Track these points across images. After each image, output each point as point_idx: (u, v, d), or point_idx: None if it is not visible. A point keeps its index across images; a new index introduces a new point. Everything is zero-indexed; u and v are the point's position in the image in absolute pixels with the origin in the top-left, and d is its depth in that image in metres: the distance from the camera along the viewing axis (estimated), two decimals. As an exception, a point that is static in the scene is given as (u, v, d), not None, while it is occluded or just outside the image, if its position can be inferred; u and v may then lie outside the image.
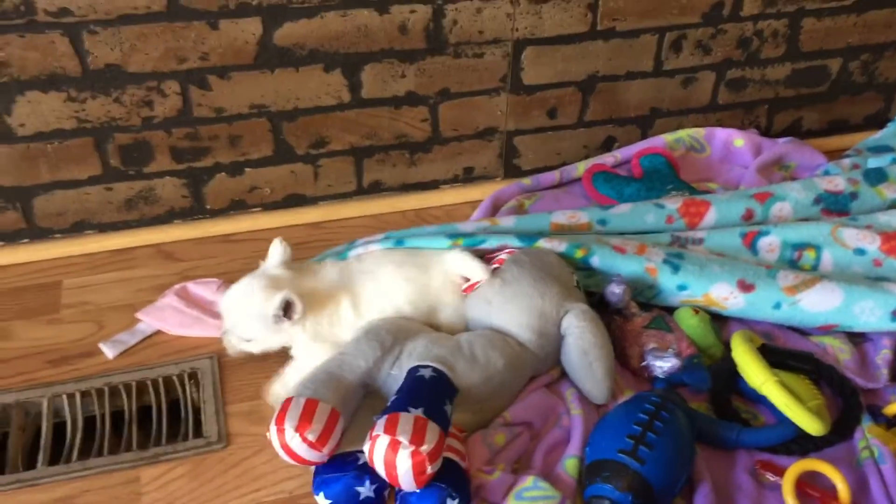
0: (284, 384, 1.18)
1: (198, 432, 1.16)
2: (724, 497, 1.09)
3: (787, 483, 1.09)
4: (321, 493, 1.03)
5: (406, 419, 0.98)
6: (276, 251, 1.22)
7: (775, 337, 1.29)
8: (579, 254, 1.28)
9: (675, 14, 1.51)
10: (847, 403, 1.20)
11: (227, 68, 1.35)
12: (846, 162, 1.62)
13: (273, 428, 1.01)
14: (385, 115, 1.48)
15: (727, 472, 1.12)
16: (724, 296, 1.26)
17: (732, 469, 1.13)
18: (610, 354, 1.18)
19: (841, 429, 1.17)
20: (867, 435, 1.15)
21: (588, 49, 1.51)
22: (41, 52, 1.26)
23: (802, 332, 1.31)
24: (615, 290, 1.23)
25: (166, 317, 1.30)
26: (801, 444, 1.14)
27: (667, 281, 1.26)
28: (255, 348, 1.20)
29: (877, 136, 1.73)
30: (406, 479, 0.97)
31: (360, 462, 1.03)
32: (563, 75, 1.53)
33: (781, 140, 1.68)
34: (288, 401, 1.03)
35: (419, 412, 0.99)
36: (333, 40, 1.37)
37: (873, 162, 1.59)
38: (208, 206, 1.50)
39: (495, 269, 1.22)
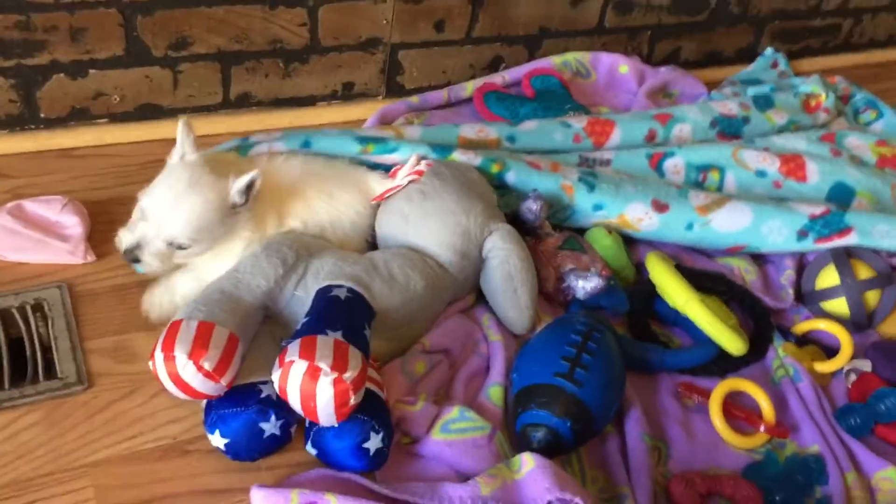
0: (171, 294, 1.00)
1: (50, 373, 0.96)
2: (653, 421, 1.03)
3: (714, 404, 1.05)
4: (217, 432, 0.86)
5: (324, 343, 0.83)
6: (189, 132, 1.00)
7: (682, 259, 1.25)
8: (495, 168, 1.17)
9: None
10: (758, 324, 1.18)
11: (68, -58, 1.12)
12: (727, 90, 1.61)
13: (159, 355, 0.83)
14: (258, 14, 1.29)
15: (651, 396, 1.07)
16: (639, 216, 1.19)
17: (656, 393, 1.08)
18: (535, 281, 1.08)
19: (756, 348, 1.14)
20: (781, 354, 1.13)
21: (481, -46, 1.39)
22: None
23: (709, 254, 1.27)
24: (531, 207, 1.13)
25: (-2, 239, 1.07)
26: (719, 364, 1.11)
27: (583, 200, 1.18)
28: (187, 257, 0.99)
29: (749, 70, 1.75)
30: (326, 411, 0.83)
31: (263, 395, 0.87)
32: (454, -18, 1.41)
33: (663, 68, 1.64)
34: (176, 323, 0.85)
35: (338, 335, 0.85)
36: (201, -83, 1.17)
37: (752, 91, 1.59)
38: (43, 115, 1.26)
39: (412, 181, 1.08)
